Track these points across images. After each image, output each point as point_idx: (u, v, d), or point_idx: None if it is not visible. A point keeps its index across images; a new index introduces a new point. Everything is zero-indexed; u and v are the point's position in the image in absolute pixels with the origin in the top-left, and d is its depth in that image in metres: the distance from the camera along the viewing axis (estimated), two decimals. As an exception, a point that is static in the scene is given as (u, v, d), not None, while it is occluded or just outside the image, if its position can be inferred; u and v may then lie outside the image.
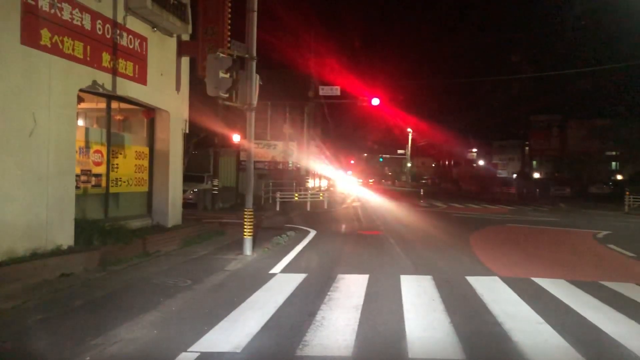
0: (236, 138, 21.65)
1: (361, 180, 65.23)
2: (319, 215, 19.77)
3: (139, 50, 9.64)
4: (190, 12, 10.96)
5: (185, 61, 11.47)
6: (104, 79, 8.61)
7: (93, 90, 8.60)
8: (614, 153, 54.16)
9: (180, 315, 5.38)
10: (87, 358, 4.10)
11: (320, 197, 25.62)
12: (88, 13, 8.07)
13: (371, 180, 72.97)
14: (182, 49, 11.22)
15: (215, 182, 19.88)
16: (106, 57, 8.63)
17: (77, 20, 7.85)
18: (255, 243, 9.80)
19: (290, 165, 29.21)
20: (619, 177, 51.27)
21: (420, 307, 5.84)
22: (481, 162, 72.16)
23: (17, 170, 6.84)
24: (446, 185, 64.48)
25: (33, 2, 6.93)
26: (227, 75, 8.63)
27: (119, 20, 8.96)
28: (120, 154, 10.10)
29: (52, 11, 7.30)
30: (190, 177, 18.71)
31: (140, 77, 9.73)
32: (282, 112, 30.18)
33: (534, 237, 14.21)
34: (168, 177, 11.09)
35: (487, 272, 8.13)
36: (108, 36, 8.66)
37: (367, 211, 22.70)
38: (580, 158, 50.30)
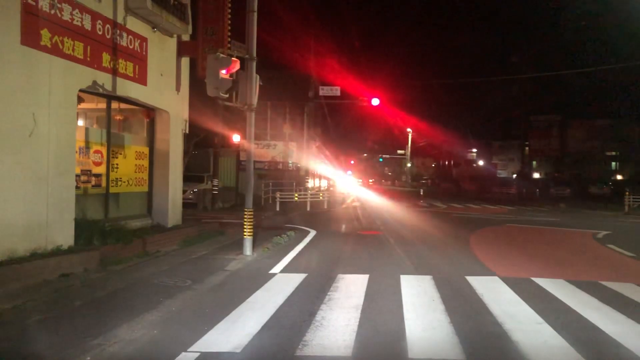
0: (236, 138, 21.69)
1: (361, 181, 65.18)
2: (319, 215, 19.77)
3: (139, 50, 9.64)
4: (190, 13, 10.96)
5: (185, 61, 11.47)
6: (104, 79, 8.62)
7: (93, 91, 8.60)
8: (614, 153, 54.19)
9: (180, 315, 5.39)
10: (87, 358, 4.10)
11: (320, 197, 25.62)
12: (88, 13, 8.07)
13: (371, 181, 72.93)
14: (182, 49, 11.22)
15: (215, 182, 19.90)
16: (106, 57, 8.63)
17: (77, 21, 7.85)
18: (255, 243, 9.80)
19: (290, 165, 29.22)
20: (619, 177, 51.25)
21: (420, 307, 5.84)
22: (481, 163, 72.19)
23: (17, 170, 6.83)
24: (446, 185, 64.35)
25: (33, 3, 6.93)
26: (228, 76, 8.64)
27: (119, 20, 8.96)
28: (120, 154, 10.10)
29: (52, 11, 7.30)
30: (190, 177, 18.71)
31: (140, 78, 9.73)
32: (282, 112, 30.17)
33: (534, 237, 14.22)
34: (168, 177, 11.09)
35: (487, 272, 8.14)
36: (108, 36, 8.66)
37: (366, 211, 22.70)
38: (580, 158, 50.32)
